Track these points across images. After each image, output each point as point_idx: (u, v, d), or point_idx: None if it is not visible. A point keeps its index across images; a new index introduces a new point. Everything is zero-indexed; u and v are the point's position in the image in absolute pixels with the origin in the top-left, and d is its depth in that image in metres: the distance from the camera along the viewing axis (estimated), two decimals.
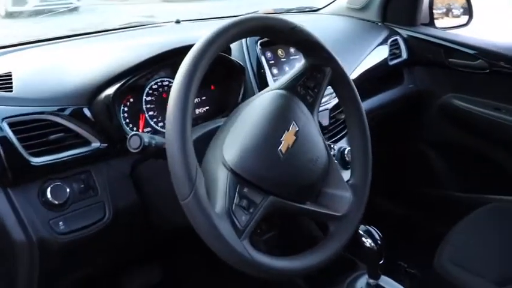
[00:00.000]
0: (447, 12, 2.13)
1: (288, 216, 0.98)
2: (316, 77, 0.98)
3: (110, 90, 1.00)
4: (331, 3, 2.07)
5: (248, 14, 1.71)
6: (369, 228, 1.05)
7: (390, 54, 1.83)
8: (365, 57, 1.69)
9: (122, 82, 1.02)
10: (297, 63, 1.34)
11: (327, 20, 1.99)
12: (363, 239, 1.07)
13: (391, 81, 1.87)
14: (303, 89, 0.96)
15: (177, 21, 1.64)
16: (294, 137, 0.88)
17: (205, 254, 0.80)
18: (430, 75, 1.94)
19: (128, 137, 0.84)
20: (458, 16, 2.12)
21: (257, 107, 0.90)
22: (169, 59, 1.09)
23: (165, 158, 0.76)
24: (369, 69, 1.67)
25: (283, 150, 0.86)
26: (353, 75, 1.58)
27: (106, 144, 1.01)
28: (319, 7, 2.10)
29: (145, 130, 1.11)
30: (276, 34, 0.93)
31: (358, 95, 1.03)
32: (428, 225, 1.92)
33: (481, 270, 1.25)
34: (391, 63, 1.83)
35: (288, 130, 0.88)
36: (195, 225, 0.74)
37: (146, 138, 0.83)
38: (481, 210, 1.49)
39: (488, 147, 1.87)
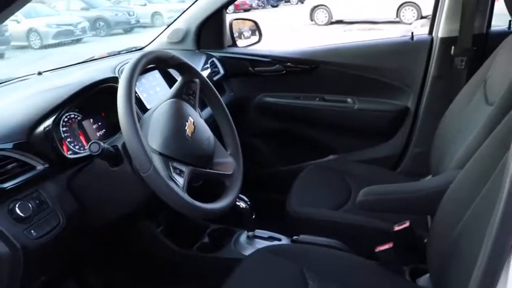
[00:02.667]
0: (240, 34, 2.75)
1: (202, 177, 1.41)
2: (192, 86, 1.45)
3: (47, 123, 1.32)
4: (153, 41, 2.52)
5: (94, 58, 2.08)
6: (241, 195, 1.58)
7: (212, 72, 2.35)
8: None
9: (54, 117, 1.35)
10: (159, 87, 1.80)
11: None
12: (238, 204, 1.61)
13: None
14: (186, 96, 1.42)
15: (39, 73, 1.91)
16: (193, 126, 1.33)
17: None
18: (243, 83, 2.54)
19: (88, 144, 1.19)
20: (248, 37, 2.77)
21: (162, 112, 1.33)
22: (80, 97, 1.46)
23: (115, 157, 1.17)
24: None
25: (190, 135, 1.31)
26: None
27: (47, 166, 1.31)
28: (143, 46, 2.53)
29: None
30: (163, 62, 1.39)
31: (219, 96, 1.53)
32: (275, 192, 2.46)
33: (319, 204, 1.82)
34: (214, 79, 2.35)
35: (187, 121, 1.33)
36: (156, 189, 1.14)
37: (102, 143, 1.20)
38: (306, 171, 2.09)
39: (298, 127, 2.52)
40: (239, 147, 1.54)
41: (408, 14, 13.35)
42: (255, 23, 2.70)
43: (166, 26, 2.52)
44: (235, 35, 2.63)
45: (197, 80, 1.47)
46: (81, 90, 1.49)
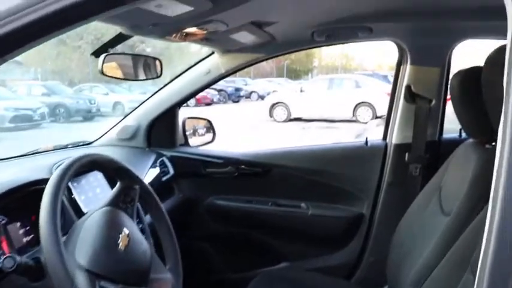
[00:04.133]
0: (194, 132, 2.68)
1: None
2: (130, 194, 1.33)
3: None
4: (101, 136, 2.42)
5: (38, 150, 1.96)
6: None
7: (161, 172, 2.24)
8: (143, 177, 2.07)
9: None
10: (99, 188, 1.67)
11: (100, 150, 2.33)
12: None
13: (165, 195, 2.27)
14: (123, 204, 1.30)
15: None
16: (127, 238, 1.20)
17: None
18: (194, 184, 2.42)
19: (2, 259, 1.04)
20: (203, 134, 2.71)
21: (94, 222, 1.19)
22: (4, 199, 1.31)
23: (36, 271, 1.01)
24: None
25: (123, 248, 1.16)
26: None
27: None
28: (92, 141, 2.43)
29: None
30: (99, 166, 1.27)
31: (161, 204, 1.42)
32: None
33: None
34: (163, 179, 2.24)
35: (121, 233, 1.19)
36: None
37: (18, 257, 1.05)
38: (256, 280, 1.94)
39: (249, 232, 2.40)
40: (179, 262, 1.40)
41: (364, 113, 13.90)
42: (209, 122, 2.65)
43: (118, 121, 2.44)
44: (188, 132, 2.56)
45: (137, 187, 1.36)
46: (7, 193, 1.35)
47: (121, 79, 1.73)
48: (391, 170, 2.23)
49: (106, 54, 1.56)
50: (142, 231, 1.49)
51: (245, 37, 1.95)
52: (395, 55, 2.28)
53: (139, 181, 1.38)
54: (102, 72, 1.56)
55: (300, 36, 2.17)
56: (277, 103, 14.88)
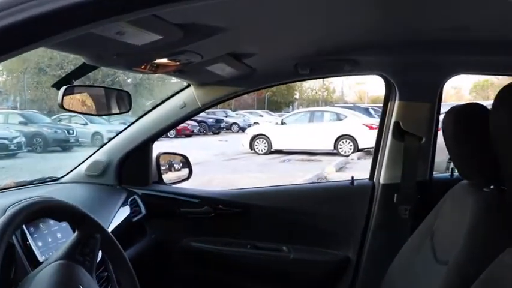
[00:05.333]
0: (170, 167, 2.52)
1: None
2: (89, 244, 1.16)
3: None
4: (70, 172, 2.25)
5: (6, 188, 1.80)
6: None
7: (132, 212, 2.07)
8: (112, 217, 1.90)
9: None
10: (61, 233, 1.50)
11: (68, 188, 2.16)
12: None
13: (136, 236, 2.10)
14: (81, 256, 1.13)
15: None
16: None
17: None
18: (168, 225, 2.25)
19: None
20: (179, 169, 2.55)
21: (45, 279, 1.03)
22: None
23: None
24: (116, 227, 1.88)
25: None
26: None
27: None
28: (59, 176, 2.26)
29: None
30: (53, 213, 1.11)
31: (125, 255, 1.25)
32: None
33: None
34: (134, 219, 2.07)
35: None
36: None
37: None
38: None
39: (226, 276, 2.22)
40: None
41: (345, 146, 13.87)
42: (185, 157, 2.49)
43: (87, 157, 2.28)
44: (164, 168, 2.40)
45: (97, 235, 1.19)
46: None
47: (82, 113, 1.58)
48: (378, 211, 2.10)
49: (67, 86, 1.40)
50: (108, 280, 1.33)
51: (223, 69, 1.83)
52: (377, 87, 2.18)
53: (101, 229, 1.22)
54: (61, 106, 1.40)
55: (282, 68, 2.06)
56: (258, 135, 14.78)
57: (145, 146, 2.21)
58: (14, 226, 0.99)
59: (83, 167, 2.22)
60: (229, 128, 22.78)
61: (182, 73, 1.85)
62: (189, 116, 2.21)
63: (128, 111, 1.69)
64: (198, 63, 1.63)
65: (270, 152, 14.33)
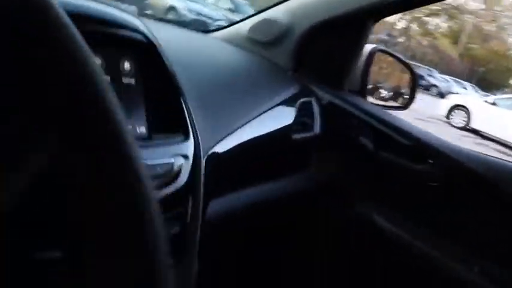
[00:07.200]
0: (374, 89, 1.53)
1: None
2: None
3: None
4: (227, 26, 1.38)
5: None
6: None
7: (295, 123, 1.16)
8: (257, 116, 1.01)
9: None
10: None
11: (217, 47, 1.29)
12: None
13: (288, 165, 1.20)
14: None
15: None
16: None
17: None
18: (347, 164, 1.29)
19: None
20: (385, 99, 1.54)
21: None
22: None
23: None
24: (257, 138, 1.00)
25: None
26: (235, 141, 0.90)
27: None
28: (210, 29, 1.41)
29: None
30: None
31: None
32: None
33: None
34: (295, 136, 1.15)
35: None
36: None
37: None
38: None
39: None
40: None
41: None
42: (413, 72, 1.46)
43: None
44: (369, 82, 1.42)
45: None
46: None
47: None
48: None
49: None
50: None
51: None
52: None
53: None
54: None
55: None
56: (459, 106, 12.82)
57: (357, 21, 1.24)
58: None
59: (245, 26, 1.34)
60: (427, 88, 20.55)
61: None
62: None
63: None
64: None
65: (466, 129, 12.37)
